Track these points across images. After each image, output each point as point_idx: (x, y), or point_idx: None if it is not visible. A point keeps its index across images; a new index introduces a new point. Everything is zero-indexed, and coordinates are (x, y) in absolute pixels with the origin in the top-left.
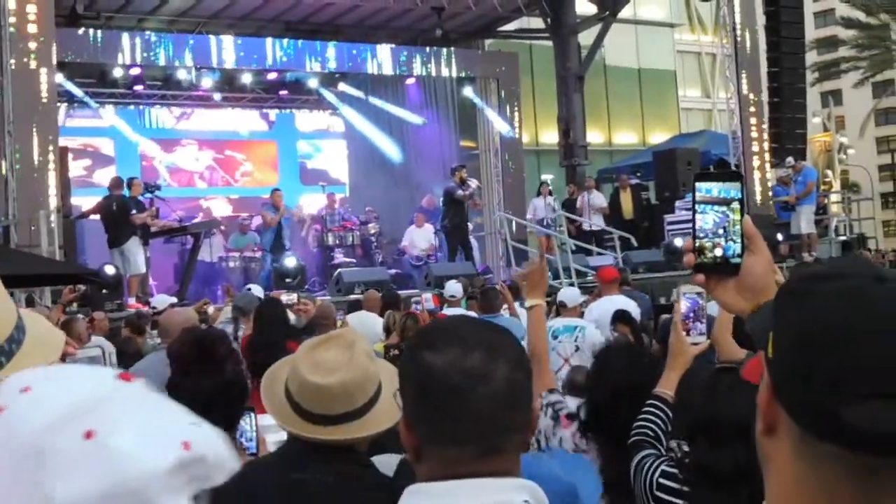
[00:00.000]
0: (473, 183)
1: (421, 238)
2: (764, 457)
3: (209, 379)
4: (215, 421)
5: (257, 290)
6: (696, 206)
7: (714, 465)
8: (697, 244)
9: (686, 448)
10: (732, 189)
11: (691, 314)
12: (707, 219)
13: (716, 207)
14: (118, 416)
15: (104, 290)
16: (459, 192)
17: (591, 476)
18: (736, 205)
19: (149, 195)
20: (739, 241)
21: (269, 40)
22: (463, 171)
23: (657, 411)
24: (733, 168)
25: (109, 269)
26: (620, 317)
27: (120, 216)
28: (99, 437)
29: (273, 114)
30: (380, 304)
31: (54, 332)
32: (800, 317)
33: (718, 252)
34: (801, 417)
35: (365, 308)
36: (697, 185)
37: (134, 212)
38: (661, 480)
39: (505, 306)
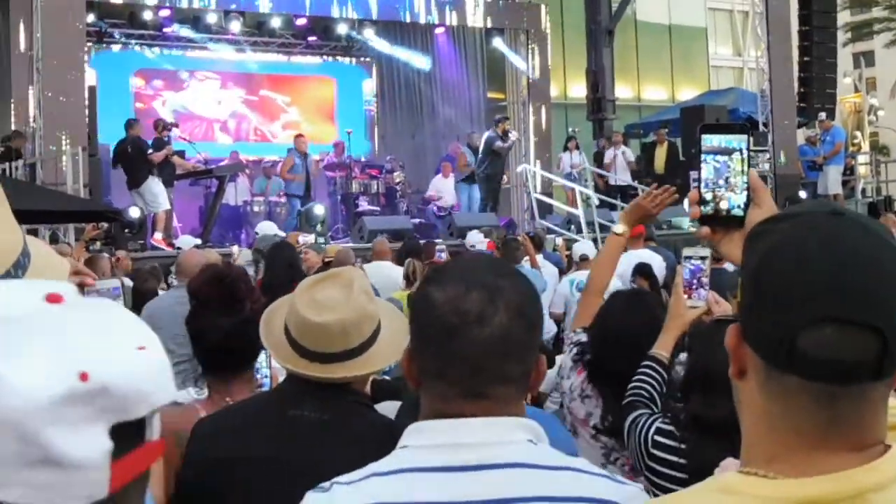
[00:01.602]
0: (513, 135)
1: (446, 188)
2: (738, 400)
3: (229, 316)
4: (234, 356)
5: (270, 228)
6: (702, 157)
7: (708, 415)
8: (702, 196)
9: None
10: (739, 141)
11: (694, 280)
12: (712, 170)
13: (721, 158)
14: (14, 341)
15: (127, 231)
16: (499, 143)
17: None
18: (742, 156)
19: (170, 135)
20: (745, 193)
21: None
22: (506, 122)
23: (652, 372)
24: (761, 125)
25: (134, 212)
26: (640, 270)
27: (136, 157)
28: None
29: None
30: (390, 253)
31: (58, 258)
32: (758, 253)
33: (724, 205)
34: (763, 349)
35: (374, 258)
36: (703, 136)
37: (151, 151)
38: (657, 438)
39: (526, 258)
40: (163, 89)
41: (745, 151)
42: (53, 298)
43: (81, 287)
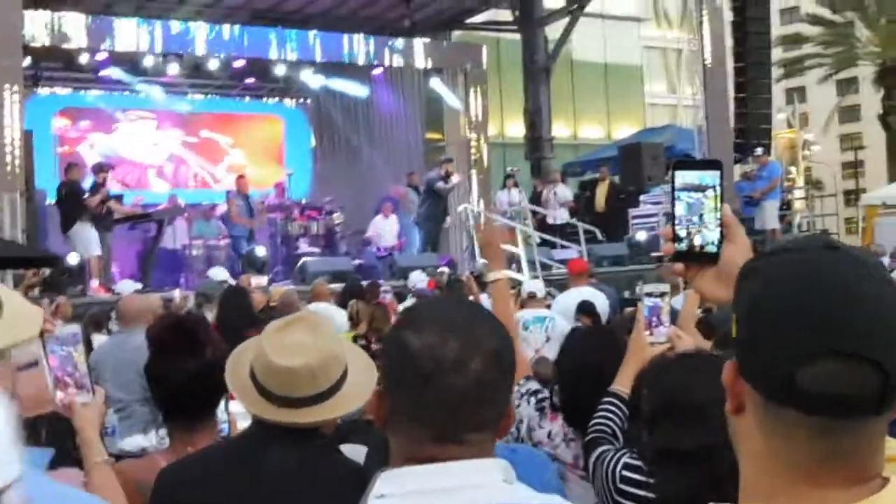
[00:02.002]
0: (456, 178)
1: (387, 229)
2: (735, 436)
3: (191, 360)
4: (198, 401)
5: (221, 274)
6: (675, 194)
7: (678, 446)
8: (676, 233)
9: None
10: (711, 177)
11: (654, 317)
12: (685, 207)
13: (694, 195)
14: None
15: (67, 276)
16: (440, 184)
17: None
18: (715, 192)
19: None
20: (718, 229)
21: (236, 27)
22: (451, 164)
23: (613, 408)
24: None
25: (73, 257)
26: (583, 308)
27: (69, 200)
28: None
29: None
30: (329, 294)
31: (31, 307)
32: (755, 289)
33: (697, 241)
34: (761, 385)
35: (313, 300)
36: (676, 172)
37: (86, 195)
38: (625, 473)
39: (471, 298)
40: (90, 130)
41: (717, 188)
42: None
43: (41, 334)
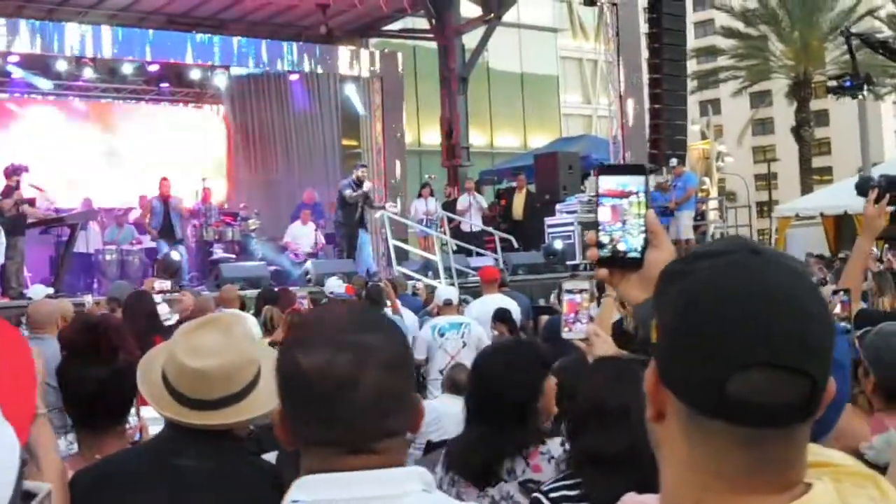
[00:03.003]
0: (367, 185)
1: (304, 235)
2: (656, 443)
3: (102, 366)
4: (108, 408)
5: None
6: (599, 200)
7: (601, 450)
8: (600, 238)
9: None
10: (635, 183)
11: (572, 313)
12: (609, 213)
13: (617, 201)
14: None
15: None
16: (349, 191)
17: None
18: (639, 198)
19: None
20: (642, 235)
21: (150, 32)
22: (362, 170)
23: None
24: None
25: None
26: (499, 316)
27: None
28: None
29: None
30: (238, 300)
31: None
32: (679, 295)
33: (621, 247)
34: (688, 395)
35: (222, 305)
36: (601, 178)
37: None
38: (552, 495)
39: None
40: None
41: (641, 194)
42: None
43: None
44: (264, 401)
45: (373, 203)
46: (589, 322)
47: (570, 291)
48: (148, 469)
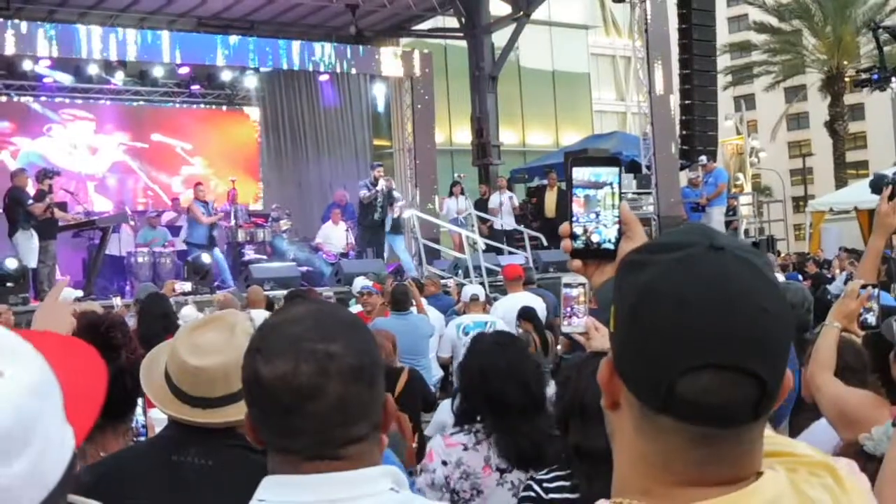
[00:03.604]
0: (383, 183)
1: (336, 235)
2: (611, 430)
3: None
4: (109, 407)
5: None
6: (573, 191)
7: (587, 444)
8: (574, 229)
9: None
10: (609, 174)
11: (568, 307)
12: (582, 203)
13: (591, 192)
14: None
15: (8, 284)
16: (364, 192)
17: None
18: (613, 189)
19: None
20: (616, 226)
21: (181, 34)
22: (379, 170)
23: None
24: (644, 168)
25: (11, 263)
26: (523, 314)
27: (11, 207)
28: None
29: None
30: (265, 301)
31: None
32: (635, 288)
33: (595, 238)
34: (638, 391)
35: (249, 306)
36: (573, 169)
37: (30, 202)
38: (546, 484)
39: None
40: (12, 134)
41: (615, 185)
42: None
43: None
44: None
45: (394, 201)
46: (587, 316)
47: (567, 285)
48: (150, 466)
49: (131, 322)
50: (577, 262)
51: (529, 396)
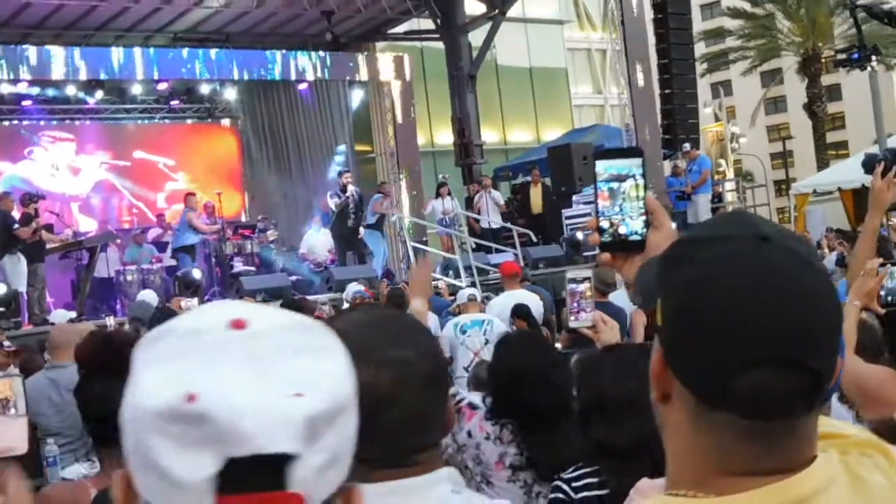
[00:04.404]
0: (351, 189)
1: (320, 243)
2: (662, 423)
3: (118, 381)
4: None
5: (150, 297)
6: (598, 185)
7: (610, 440)
8: (601, 223)
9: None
10: (632, 166)
11: (575, 302)
12: (608, 197)
13: (616, 185)
14: (171, 355)
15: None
16: (334, 199)
17: None
18: (637, 181)
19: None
20: (642, 217)
21: (157, 50)
22: (345, 176)
23: None
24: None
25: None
26: (517, 311)
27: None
28: (141, 365)
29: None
30: None
31: None
32: (683, 284)
33: (622, 230)
34: (694, 386)
35: None
36: (598, 163)
37: (16, 226)
38: (574, 484)
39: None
40: None
41: (639, 176)
42: (237, 324)
43: None
44: None
45: (361, 205)
46: (594, 310)
47: (573, 280)
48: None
49: None
50: (606, 256)
51: (559, 399)
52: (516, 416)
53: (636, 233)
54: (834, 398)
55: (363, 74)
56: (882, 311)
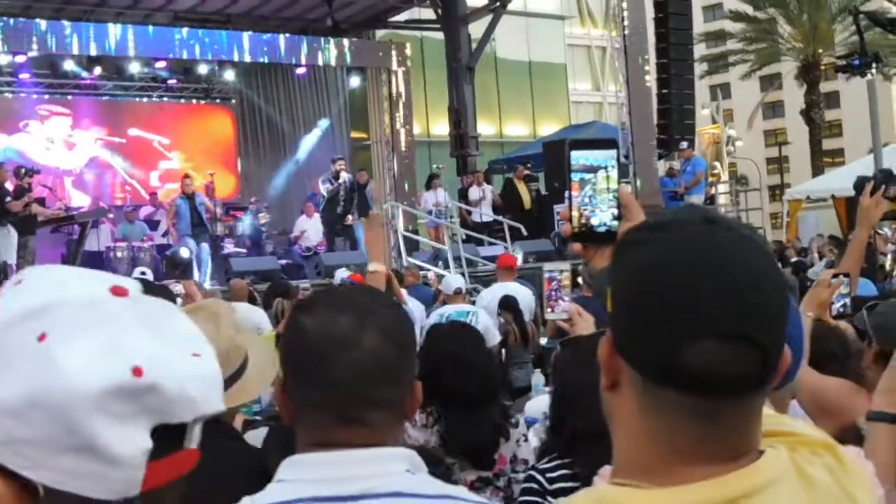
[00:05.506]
0: (344, 176)
1: (312, 228)
2: (609, 412)
3: None
4: None
5: (146, 275)
6: (571, 175)
7: (580, 427)
8: (572, 213)
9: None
10: (606, 157)
11: (552, 293)
12: (580, 187)
13: (588, 175)
14: (78, 327)
15: None
16: (326, 185)
17: None
18: (608, 172)
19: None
20: (612, 209)
21: (157, 29)
22: (338, 163)
23: None
24: (622, 157)
25: None
26: (504, 303)
27: None
28: (48, 342)
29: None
30: (247, 293)
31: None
32: (632, 265)
33: (594, 221)
34: (641, 364)
35: (231, 298)
36: (571, 153)
37: (9, 199)
38: (549, 475)
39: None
40: None
41: (611, 168)
42: (118, 291)
43: None
44: (251, 388)
45: (356, 190)
46: (570, 302)
47: (550, 272)
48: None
49: None
50: (578, 246)
51: (484, 387)
52: (439, 402)
53: (605, 224)
54: (794, 403)
55: (362, 61)
56: (832, 321)
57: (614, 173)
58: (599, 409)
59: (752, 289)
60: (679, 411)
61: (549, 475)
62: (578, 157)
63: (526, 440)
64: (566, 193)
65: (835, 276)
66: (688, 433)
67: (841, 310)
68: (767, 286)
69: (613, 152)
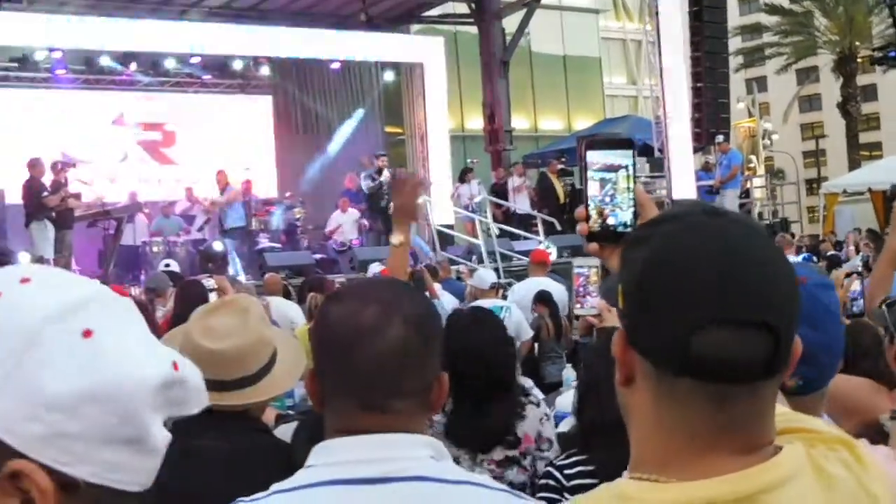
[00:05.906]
0: (387, 173)
1: (347, 222)
2: (625, 407)
3: None
4: None
5: (172, 267)
6: (588, 174)
7: (604, 418)
8: (588, 213)
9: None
10: (624, 157)
11: (580, 288)
12: (598, 187)
13: (606, 175)
14: (116, 322)
15: None
16: (367, 182)
17: None
18: (628, 172)
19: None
20: (631, 208)
21: (192, 24)
22: (382, 159)
23: None
24: (657, 151)
25: (23, 257)
26: (540, 298)
27: (29, 198)
28: (96, 337)
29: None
30: (281, 287)
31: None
32: (640, 259)
33: (610, 221)
34: (654, 355)
35: (265, 292)
36: (588, 152)
37: (46, 193)
38: (567, 471)
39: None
40: (27, 125)
41: (629, 167)
42: (119, 290)
43: None
44: (280, 382)
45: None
46: (599, 298)
47: (580, 268)
48: (169, 450)
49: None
50: (594, 245)
51: (493, 376)
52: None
53: (624, 224)
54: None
55: (396, 56)
56: (847, 321)
57: (633, 172)
58: (613, 401)
59: (760, 274)
60: (693, 400)
61: (566, 472)
62: (598, 157)
63: (548, 419)
64: (584, 193)
65: (848, 275)
66: (703, 423)
67: (854, 309)
68: (776, 272)
69: (630, 152)
